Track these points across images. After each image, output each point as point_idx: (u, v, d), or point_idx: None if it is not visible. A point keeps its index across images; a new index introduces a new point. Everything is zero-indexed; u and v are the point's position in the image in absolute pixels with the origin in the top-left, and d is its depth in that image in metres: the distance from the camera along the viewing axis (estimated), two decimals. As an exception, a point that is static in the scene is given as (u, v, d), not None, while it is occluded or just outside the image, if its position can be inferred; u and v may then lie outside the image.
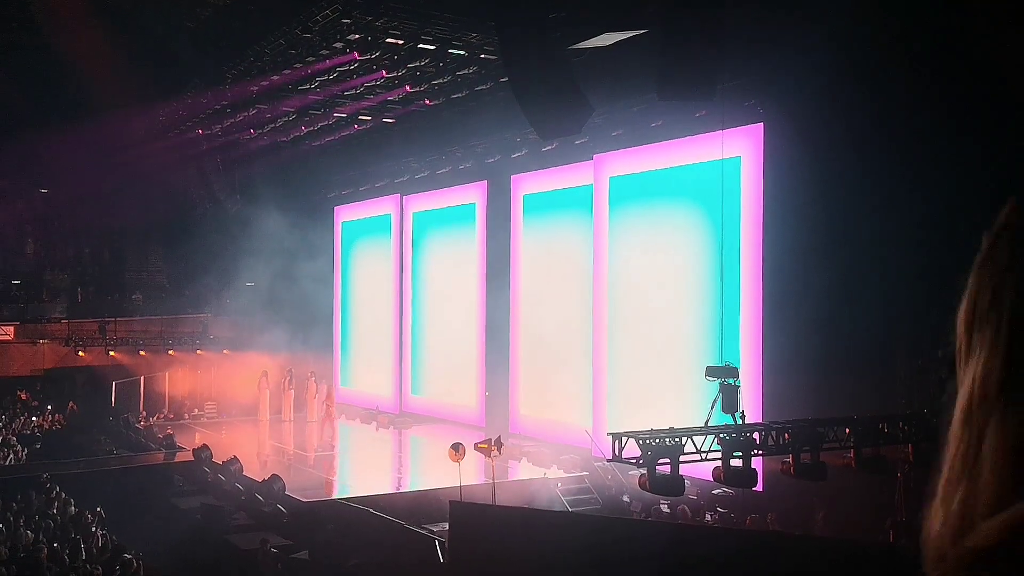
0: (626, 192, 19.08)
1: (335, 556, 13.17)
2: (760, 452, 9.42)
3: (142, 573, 11.90)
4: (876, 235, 13.66)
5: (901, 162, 13.37)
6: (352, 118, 23.84)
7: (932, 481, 0.93)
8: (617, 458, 8.90)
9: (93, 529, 14.08)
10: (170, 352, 29.36)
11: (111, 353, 28.99)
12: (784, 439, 9.49)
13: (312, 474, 19.63)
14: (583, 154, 19.78)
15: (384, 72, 19.18)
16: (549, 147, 20.08)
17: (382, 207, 27.87)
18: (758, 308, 15.86)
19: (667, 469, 8.96)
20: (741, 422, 9.54)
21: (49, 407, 26.76)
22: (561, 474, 17.79)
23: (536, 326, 21.70)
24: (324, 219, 30.35)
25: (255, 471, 18.51)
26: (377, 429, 25.29)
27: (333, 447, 23.50)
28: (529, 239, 22.11)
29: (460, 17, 16.40)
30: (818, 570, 8.00)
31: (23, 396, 27.75)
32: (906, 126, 13.18)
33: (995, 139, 12.25)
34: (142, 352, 29.12)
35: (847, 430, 9.77)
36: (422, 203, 26.11)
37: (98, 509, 15.71)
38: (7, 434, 22.49)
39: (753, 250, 16.00)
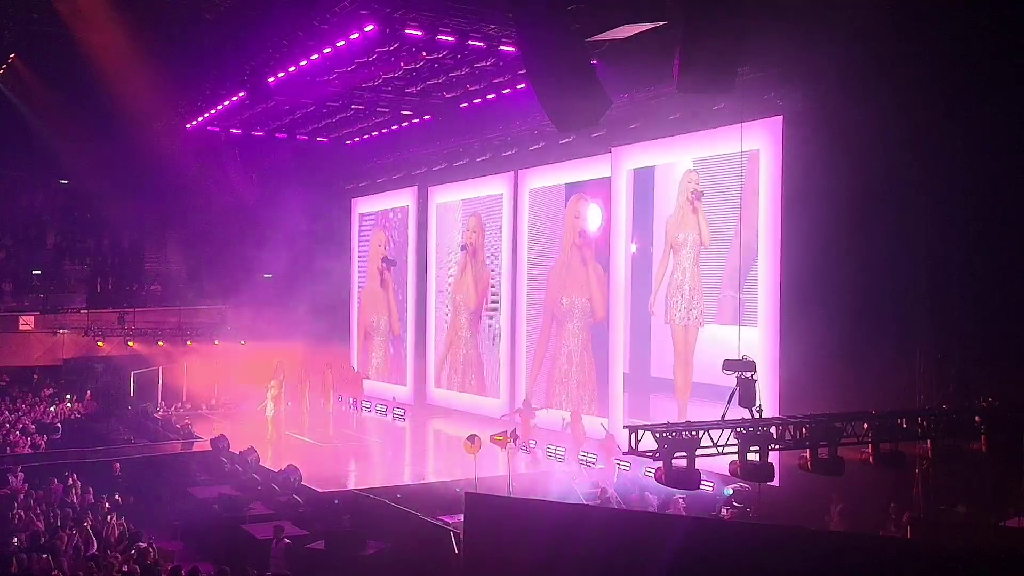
0: (643, 184, 18.99)
1: (351, 547, 13.21)
2: (777, 446, 9.33)
3: (158, 561, 11.97)
4: (895, 229, 13.53)
5: (921, 156, 13.23)
6: (370, 110, 23.82)
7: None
8: (633, 451, 8.86)
9: (110, 517, 14.18)
10: (188, 343, 29.53)
11: (130, 343, 29.18)
12: (801, 433, 9.40)
13: (329, 465, 19.70)
14: (600, 147, 19.70)
15: (402, 64, 19.13)
16: (566, 140, 20.00)
17: (400, 198, 27.86)
18: (776, 302, 15.77)
19: (683, 463, 8.91)
20: (758, 416, 9.46)
21: (68, 396, 26.97)
22: (576, 466, 17.80)
23: (550, 318, 21.67)
24: (342, 210, 30.40)
25: (272, 461, 18.59)
26: (394, 420, 25.38)
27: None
28: (544, 230, 22.06)
29: (479, 9, 16.34)
30: (835, 565, 7.95)
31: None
32: (926, 120, 13.04)
33: (1019, 133, 12.11)
34: (160, 342, 29.30)
35: (865, 425, 9.66)
36: (446, 194, 26.04)
37: (116, 497, 15.84)
38: (26, 422, 22.68)
39: (771, 244, 15.90)
